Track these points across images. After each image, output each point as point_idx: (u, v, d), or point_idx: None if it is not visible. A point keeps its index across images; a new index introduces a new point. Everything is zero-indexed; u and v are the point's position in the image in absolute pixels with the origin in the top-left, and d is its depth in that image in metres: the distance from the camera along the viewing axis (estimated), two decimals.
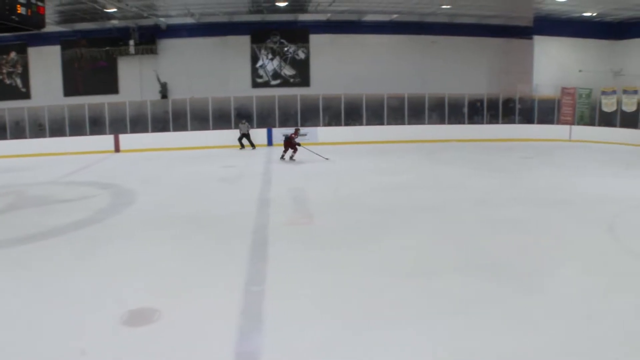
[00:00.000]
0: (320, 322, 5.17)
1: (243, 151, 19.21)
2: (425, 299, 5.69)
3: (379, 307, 5.50)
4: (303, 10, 20.40)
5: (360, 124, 20.60)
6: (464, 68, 22.02)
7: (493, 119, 21.63)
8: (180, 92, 21.07)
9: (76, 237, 8.83)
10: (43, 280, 6.69)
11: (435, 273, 6.44)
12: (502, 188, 12.08)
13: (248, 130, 19.51)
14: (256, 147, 19.46)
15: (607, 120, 20.54)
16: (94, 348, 4.81)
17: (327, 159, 16.12)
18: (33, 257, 7.75)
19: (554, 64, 21.72)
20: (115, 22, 21.06)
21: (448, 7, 19.50)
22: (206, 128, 20.21)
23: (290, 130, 17.38)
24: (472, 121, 21.52)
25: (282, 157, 16.33)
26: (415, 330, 4.97)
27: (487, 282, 6.15)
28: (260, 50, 21.44)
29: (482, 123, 21.51)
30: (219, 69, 21.24)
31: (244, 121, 19.60)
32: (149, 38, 21.31)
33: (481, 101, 21.56)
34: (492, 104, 21.55)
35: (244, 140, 19.42)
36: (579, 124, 21.17)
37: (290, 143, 16.19)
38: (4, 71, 22.44)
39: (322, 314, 5.36)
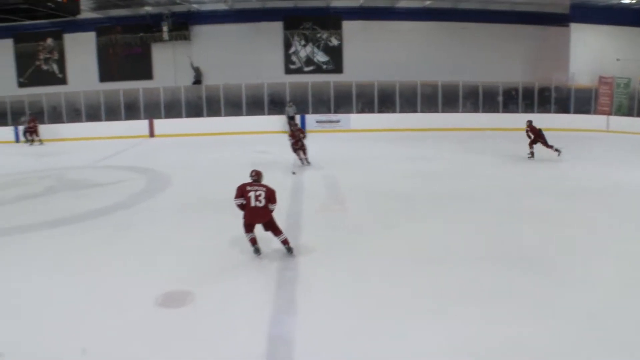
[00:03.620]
0: (349, 307, 5.20)
1: (286, 136, 18.98)
2: (449, 287, 5.66)
3: (405, 294, 5.51)
4: None
5: (394, 111, 20.44)
6: (498, 56, 21.65)
7: (528, 108, 21.25)
8: (213, 78, 21.13)
9: (110, 220, 8.91)
10: (77, 263, 6.76)
11: (461, 261, 6.38)
12: (534, 178, 11.86)
13: (294, 113, 19.49)
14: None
15: None
16: (128, 329, 4.88)
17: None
18: (68, 240, 7.84)
19: (591, 52, 21.24)
20: (148, 9, 21.21)
21: None
22: (239, 114, 20.26)
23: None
24: (506, 110, 21.18)
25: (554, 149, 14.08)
26: (438, 318, 4.95)
27: (511, 272, 6.04)
28: (293, 37, 21.34)
29: (517, 112, 21.13)
30: (252, 55, 21.20)
31: (290, 103, 19.58)
32: (182, 24, 21.36)
33: (516, 90, 21.22)
34: (528, 92, 21.19)
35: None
36: (616, 114, 20.69)
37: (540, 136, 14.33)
38: (41, 57, 22.82)
39: (351, 299, 5.39)
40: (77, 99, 21.53)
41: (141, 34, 21.75)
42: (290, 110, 19.48)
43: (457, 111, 20.71)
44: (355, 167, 13.25)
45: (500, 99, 21.16)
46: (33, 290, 5.81)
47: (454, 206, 9.18)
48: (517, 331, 4.66)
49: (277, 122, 19.80)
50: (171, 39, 21.30)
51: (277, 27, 21.33)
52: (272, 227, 6.52)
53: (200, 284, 5.80)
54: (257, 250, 6.55)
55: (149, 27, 21.50)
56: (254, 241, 6.58)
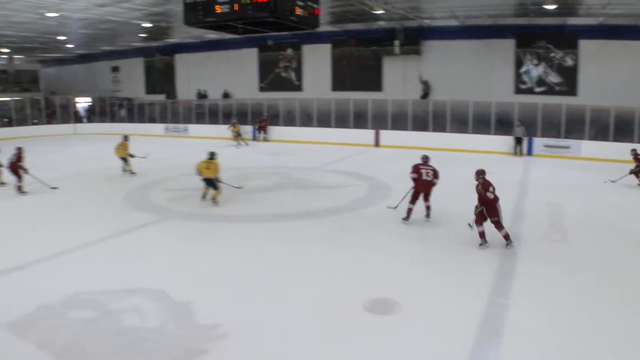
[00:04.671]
0: (557, 347, 4.98)
1: (511, 158, 19.10)
2: None
3: (628, 347, 5.08)
4: (573, 13, 19.56)
5: (631, 141, 19.39)
6: None
7: None
8: (441, 94, 21.86)
9: (331, 221, 9.86)
10: (292, 256, 7.63)
11: None
12: None
13: (523, 135, 19.40)
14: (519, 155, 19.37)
15: None
16: (334, 327, 5.29)
17: None
18: (289, 234, 8.91)
19: None
20: (382, 23, 22.39)
21: None
22: (465, 131, 20.75)
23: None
24: None
25: None
26: None
27: None
28: (525, 55, 21.08)
29: None
30: (480, 73, 21.40)
31: (519, 123, 19.38)
32: (413, 39, 22.28)
33: None
34: None
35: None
36: None
37: None
38: (281, 65, 25.58)
39: (562, 340, 5.13)
40: (310, 105, 23.84)
41: (374, 47, 23.19)
42: (519, 131, 19.46)
43: None
44: (582, 196, 12.64)
45: None
46: (254, 277, 6.67)
47: None
48: None
49: (503, 142, 19.93)
50: (402, 53, 22.34)
51: (508, 44, 21.16)
52: (428, 196, 9.46)
53: (409, 295, 6.06)
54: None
55: (382, 40, 22.79)
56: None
